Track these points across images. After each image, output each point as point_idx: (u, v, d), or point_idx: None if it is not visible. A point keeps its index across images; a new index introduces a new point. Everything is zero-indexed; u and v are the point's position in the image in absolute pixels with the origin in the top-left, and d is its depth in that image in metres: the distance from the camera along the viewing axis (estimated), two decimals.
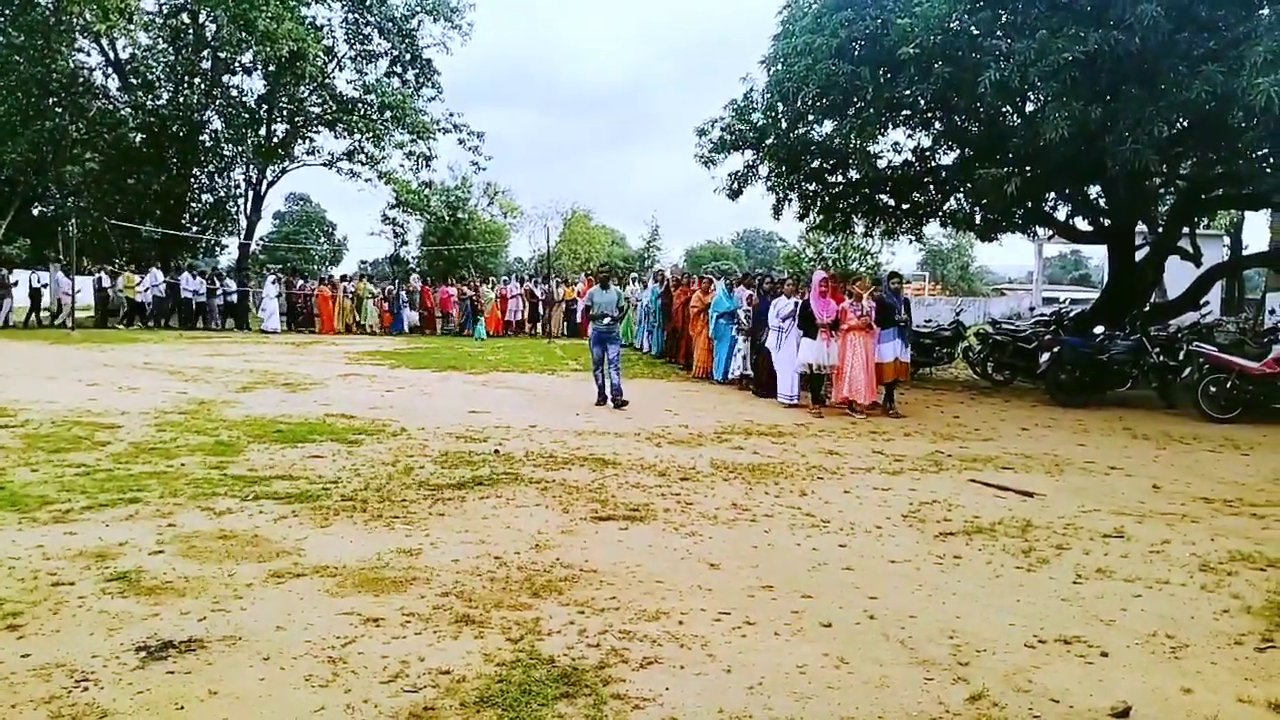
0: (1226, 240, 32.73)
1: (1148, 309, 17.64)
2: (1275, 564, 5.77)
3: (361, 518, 6.36)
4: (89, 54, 32.62)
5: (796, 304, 12.98)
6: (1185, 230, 18.31)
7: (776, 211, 19.10)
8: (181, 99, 32.90)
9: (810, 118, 16.44)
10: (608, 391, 12.61)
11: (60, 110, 30.75)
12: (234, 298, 30.36)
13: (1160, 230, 18.48)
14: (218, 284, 29.96)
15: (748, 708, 3.65)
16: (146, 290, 28.54)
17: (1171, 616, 4.81)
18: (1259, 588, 5.29)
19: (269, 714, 3.50)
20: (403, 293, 30.99)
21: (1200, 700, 3.81)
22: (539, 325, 30.46)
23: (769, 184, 18.49)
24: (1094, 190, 18.12)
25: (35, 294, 27.62)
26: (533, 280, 33.31)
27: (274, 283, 29.88)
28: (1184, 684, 3.97)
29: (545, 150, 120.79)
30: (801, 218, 19.76)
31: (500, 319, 30.36)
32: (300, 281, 31.80)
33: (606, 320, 12.74)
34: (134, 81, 33.00)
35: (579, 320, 27.62)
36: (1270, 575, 5.53)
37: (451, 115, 37.82)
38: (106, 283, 28.44)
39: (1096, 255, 50.06)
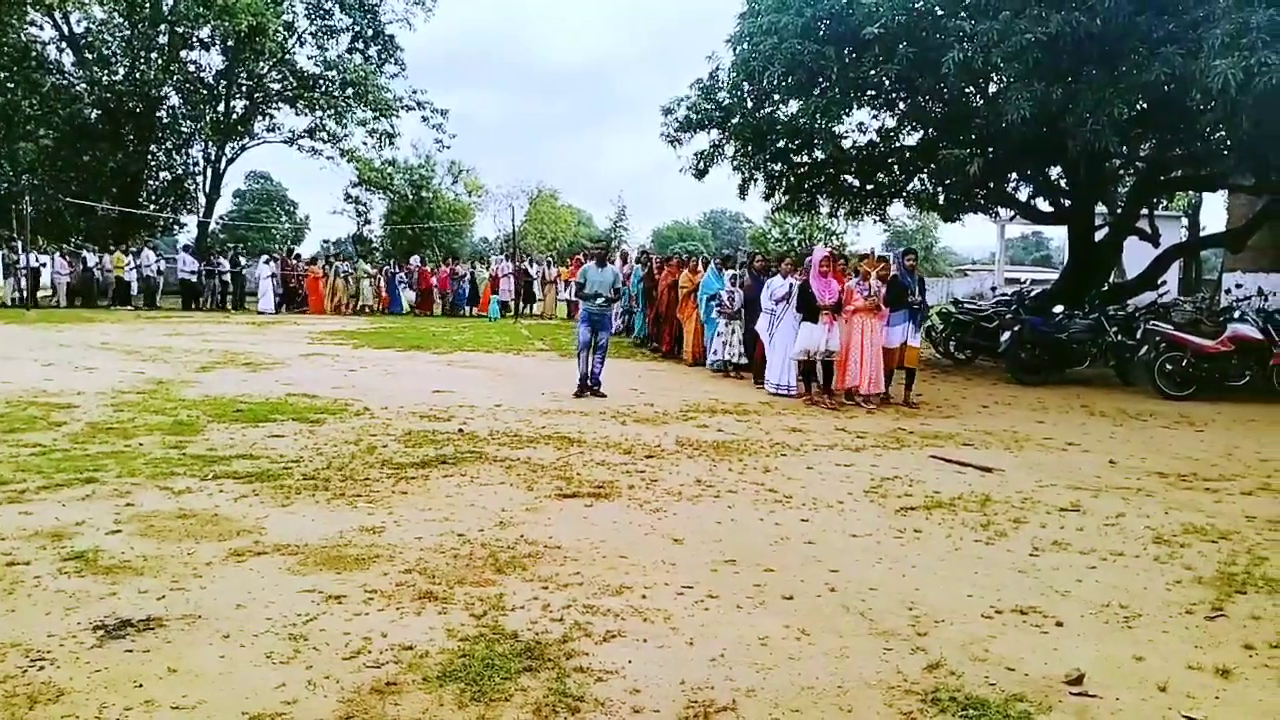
0: (1184, 221, 33.19)
1: (1106, 289, 17.91)
2: (1226, 536, 5.90)
3: (324, 496, 6.32)
4: (42, 28, 31.98)
5: (793, 284, 11.97)
6: (1144, 211, 18.58)
7: (742, 191, 19.11)
8: (138, 74, 32.27)
9: (776, 97, 16.44)
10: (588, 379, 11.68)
11: (12, 85, 30.11)
12: (228, 278, 29.94)
13: (1119, 211, 18.75)
14: (213, 264, 29.59)
15: (709, 679, 3.68)
16: (130, 270, 28.22)
17: (1125, 587, 4.90)
18: (1210, 559, 5.41)
19: (229, 691, 3.48)
20: (401, 273, 30.83)
21: (1151, 667, 3.89)
22: (532, 306, 30.24)
23: (735, 164, 18.48)
24: (1055, 171, 18.33)
25: (34, 273, 27.19)
26: (528, 260, 33.09)
27: (268, 263, 29.66)
28: (1136, 652, 4.05)
29: (511, 130, 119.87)
30: (767, 198, 19.78)
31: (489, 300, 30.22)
32: (294, 262, 31.45)
33: (600, 300, 11.69)
34: (89, 56, 32.31)
35: (570, 300, 26.59)
36: (1221, 547, 5.66)
37: (415, 93, 37.57)
38: (93, 262, 28.00)
39: (1058, 236, 50.65)
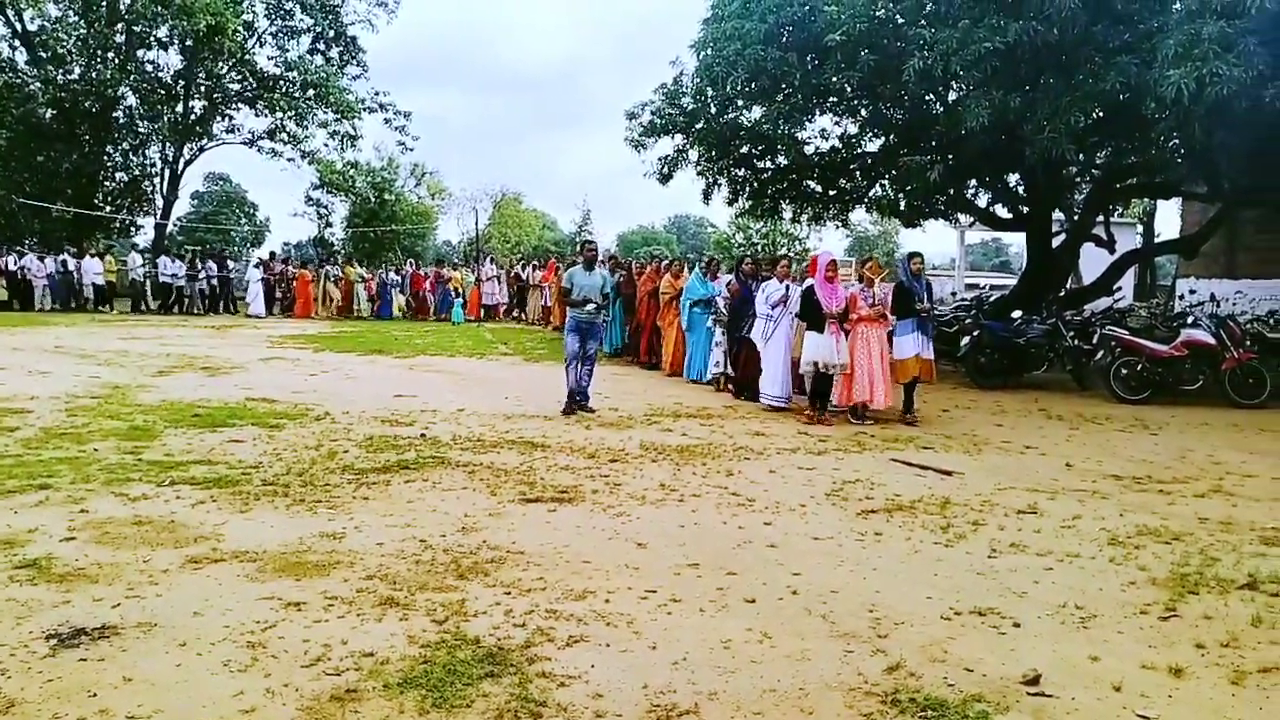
0: (1139, 228, 33.81)
1: (1063, 294, 18.18)
2: (1180, 537, 6.00)
3: (283, 502, 6.25)
4: None
5: (789, 288, 11.27)
6: (1100, 218, 18.88)
7: (706, 196, 19.25)
8: (94, 74, 31.64)
9: (739, 103, 16.55)
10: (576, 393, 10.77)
11: None
12: (215, 282, 29.58)
13: (1076, 218, 19.03)
14: (199, 268, 29.22)
15: (672, 683, 3.68)
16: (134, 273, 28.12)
17: (1081, 588, 4.97)
18: (1164, 560, 5.50)
19: (185, 699, 3.43)
20: (393, 277, 30.66)
21: (1106, 667, 3.95)
22: (524, 311, 30.02)
23: (699, 168, 18.61)
24: (1013, 178, 18.59)
25: (10, 276, 26.66)
26: (520, 264, 32.96)
27: (256, 267, 29.44)
28: (1091, 652, 4.11)
29: (476, 133, 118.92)
30: (730, 203, 19.93)
31: (478, 304, 30.21)
32: (282, 266, 31.11)
33: (590, 307, 10.71)
34: (43, 55, 31.64)
35: (549, 305, 25.34)
36: (1175, 548, 5.76)
37: (377, 94, 37.30)
38: (71, 265, 27.51)
39: (1016, 242, 51.28)
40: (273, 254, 34.29)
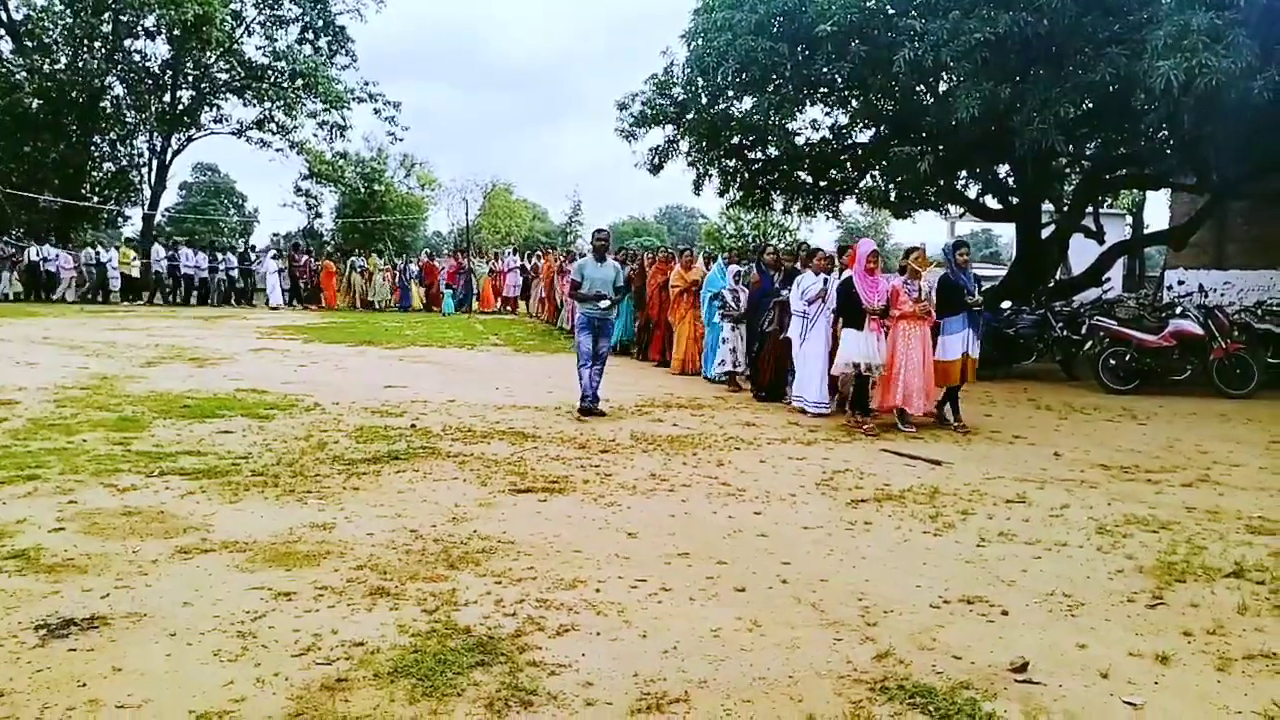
0: (1128, 219, 33.84)
1: (1053, 285, 18.21)
2: (1167, 526, 6.04)
3: (273, 493, 6.24)
4: None
5: (826, 280, 10.35)
6: (1089, 209, 18.91)
7: (697, 187, 19.18)
8: (81, 63, 31.49)
9: (730, 93, 16.48)
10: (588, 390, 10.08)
11: None
12: (235, 273, 29.60)
13: (1065, 209, 19.06)
14: (219, 260, 29.23)
15: (662, 671, 3.69)
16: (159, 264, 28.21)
17: (1069, 577, 5.00)
18: (1151, 549, 5.53)
19: (175, 689, 3.43)
20: (411, 267, 30.63)
21: (1094, 654, 3.98)
22: (528, 303, 29.87)
23: (689, 159, 18.53)
24: (1003, 169, 18.58)
25: (33, 267, 26.53)
26: (528, 255, 32.90)
27: (274, 258, 29.47)
28: (1079, 640, 4.14)
29: (468, 124, 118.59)
30: (722, 193, 19.85)
31: (494, 296, 30.17)
32: (304, 258, 30.97)
33: (604, 303, 9.97)
34: (29, 44, 31.42)
35: (543, 297, 24.52)
36: (1162, 537, 5.79)
37: (366, 85, 37.29)
38: (105, 258, 27.41)
39: (1006, 233, 51.43)
40: (296, 245, 33.98)
